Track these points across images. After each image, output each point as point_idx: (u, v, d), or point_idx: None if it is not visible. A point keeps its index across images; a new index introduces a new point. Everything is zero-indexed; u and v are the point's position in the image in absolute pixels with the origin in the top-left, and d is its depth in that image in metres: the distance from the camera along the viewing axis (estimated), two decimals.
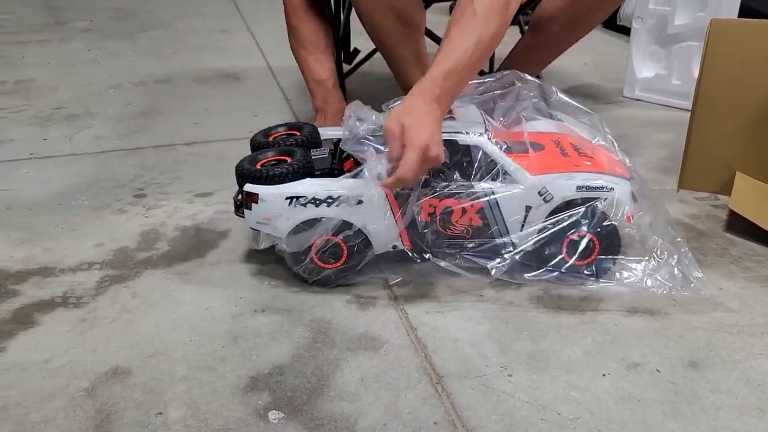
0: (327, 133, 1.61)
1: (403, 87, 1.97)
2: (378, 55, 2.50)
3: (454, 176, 1.24)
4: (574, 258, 1.37)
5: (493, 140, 1.34)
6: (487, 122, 1.41)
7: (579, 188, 1.32)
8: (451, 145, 1.30)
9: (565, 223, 1.33)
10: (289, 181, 1.35)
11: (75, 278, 1.49)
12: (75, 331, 1.31)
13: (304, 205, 1.34)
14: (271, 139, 1.57)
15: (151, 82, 2.89)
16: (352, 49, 2.59)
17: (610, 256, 1.39)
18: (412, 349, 1.22)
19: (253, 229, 1.40)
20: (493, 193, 1.31)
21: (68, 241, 1.64)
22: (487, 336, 1.26)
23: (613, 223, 1.35)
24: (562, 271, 1.37)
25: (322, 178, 1.37)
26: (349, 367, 1.18)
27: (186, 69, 3.06)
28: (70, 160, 2.11)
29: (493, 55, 2.78)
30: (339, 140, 1.56)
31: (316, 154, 1.48)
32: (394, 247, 1.38)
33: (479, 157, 1.31)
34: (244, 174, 1.39)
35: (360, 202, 1.32)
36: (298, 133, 1.59)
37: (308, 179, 1.37)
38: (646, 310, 1.33)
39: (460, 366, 1.18)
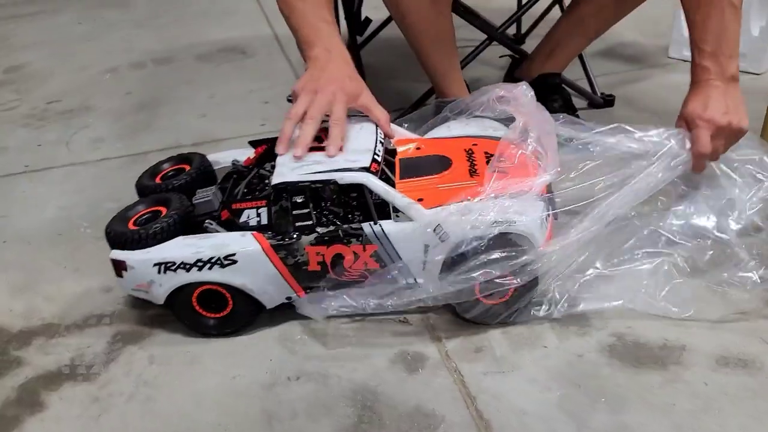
0: (220, 160, 1.46)
1: (426, 69, 1.74)
2: (393, 24, 2.26)
3: (340, 218, 1.20)
4: (488, 298, 1.23)
5: (400, 155, 1.26)
6: (379, 145, 1.26)
7: (473, 227, 1.16)
8: (332, 186, 1.17)
9: (471, 264, 1.18)
10: (164, 240, 1.22)
11: (83, 339, 1.33)
12: (87, 416, 1.16)
13: (174, 270, 1.20)
14: (158, 179, 1.42)
15: (150, 63, 2.66)
16: (363, 18, 2.35)
17: (528, 293, 1.23)
18: (473, 430, 1.06)
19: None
20: (384, 235, 1.17)
21: (72, 286, 1.48)
22: (558, 407, 1.09)
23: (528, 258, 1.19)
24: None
25: (191, 237, 1.23)
26: None
27: (187, 43, 2.83)
28: (68, 173, 1.93)
29: (519, 25, 2.50)
30: (234, 171, 1.41)
31: (199, 197, 1.32)
32: (289, 298, 1.27)
33: (366, 193, 1.18)
34: (111, 238, 1.25)
35: (233, 262, 1.19)
36: (187, 167, 1.43)
37: (177, 239, 1.23)
38: (737, 361, 1.15)
39: None
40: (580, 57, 2.05)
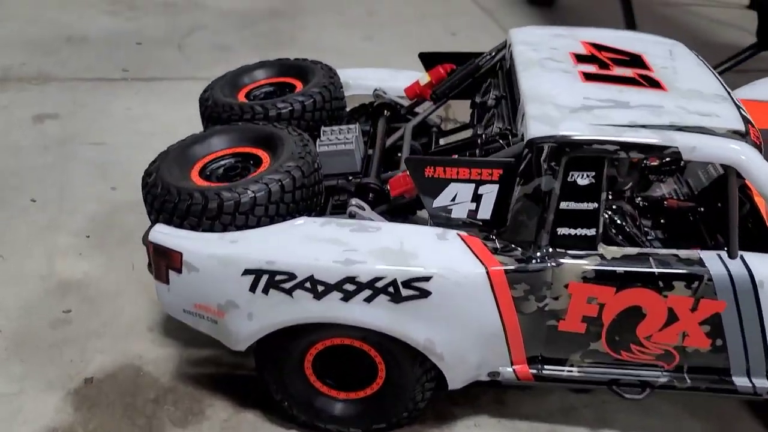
0: (351, 81, 0.91)
1: None
2: None
3: (650, 233, 0.70)
4: None
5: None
6: (731, 94, 0.70)
7: None
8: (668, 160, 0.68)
9: None
10: (269, 220, 0.67)
11: None
12: None
13: (290, 291, 0.64)
14: (242, 96, 0.86)
15: None
16: None
17: None
18: None
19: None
20: (753, 288, 0.61)
21: None
22: None
23: None
24: None
25: (330, 221, 0.68)
26: None
27: None
28: (185, 89, 1.30)
29: None
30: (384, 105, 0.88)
31: (330, 141, 0.78)
32: (492, 374, 0.70)
33: (730, 189, 0.63)
34: (156, 198, 0.69)
35: (421, 293, 0.63)
36: (299, 86, 0.87)
37: (298, 223, 0.68)
38: None
39: None
40: None
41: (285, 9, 1.68)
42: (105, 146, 1.14)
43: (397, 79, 0.92)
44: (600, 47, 0.75)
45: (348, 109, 0.91)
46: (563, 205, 0.61)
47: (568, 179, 0.60)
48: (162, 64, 1.42)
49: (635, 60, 0.73)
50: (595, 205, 0.61)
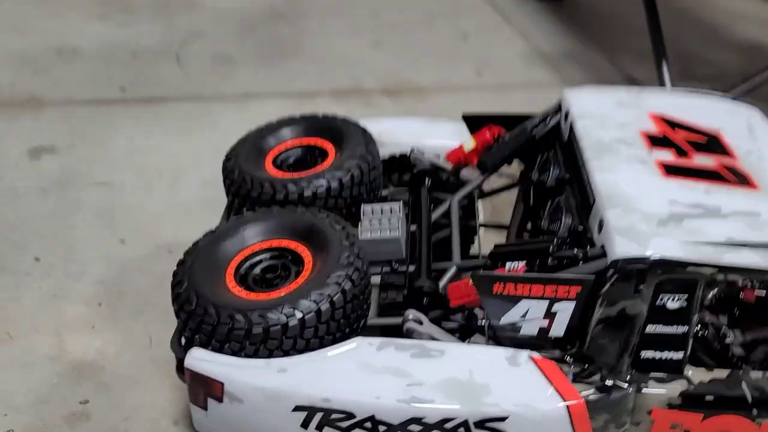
0: (384, 138, 0.82)
1: None
2: None
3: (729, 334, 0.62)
4: None
5: None
6: None
7: None
8: (739, 275, 0.57)
9: None
10: (317, 344, 0.59)
11: None
12: None
13: (347, 431, 0.57)
14: (269, 163, 0.79)
15: None
16: None
17: None
18: None
19: None
20: None
21: None
22: None
23: None
24: None
25: (386, 345, 0.59)
26: None
27: None
28: (188, 111, 1.23)
29: None
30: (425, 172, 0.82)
31: (371, 226, 0.71)
32: None
33: None
34: (191, 316, 0.60)
35: None
36: (331, 150, 0.80)
37: (356, 342, 0.59)
38: None
39: None
40: None
41: (285, 9, 1.58)
42: (109, 187, 1.06)
43: (432, 133, 0.86)
44: (672, 123, 0.69)
45: None
46: (650, 328, 0.57)
47: (657, 302, 0.55)
48: (161, 80, 1.33)
49: (714, 142, 0.67)
50: (686, 328, 0.56)
